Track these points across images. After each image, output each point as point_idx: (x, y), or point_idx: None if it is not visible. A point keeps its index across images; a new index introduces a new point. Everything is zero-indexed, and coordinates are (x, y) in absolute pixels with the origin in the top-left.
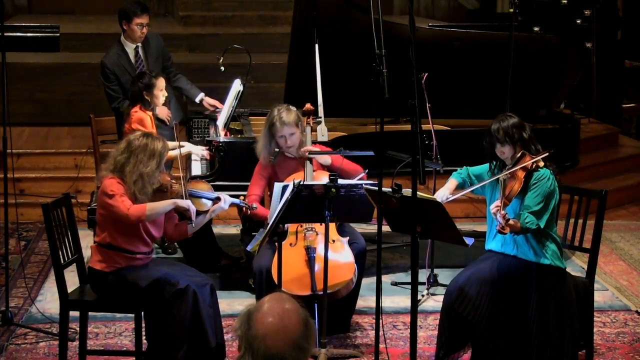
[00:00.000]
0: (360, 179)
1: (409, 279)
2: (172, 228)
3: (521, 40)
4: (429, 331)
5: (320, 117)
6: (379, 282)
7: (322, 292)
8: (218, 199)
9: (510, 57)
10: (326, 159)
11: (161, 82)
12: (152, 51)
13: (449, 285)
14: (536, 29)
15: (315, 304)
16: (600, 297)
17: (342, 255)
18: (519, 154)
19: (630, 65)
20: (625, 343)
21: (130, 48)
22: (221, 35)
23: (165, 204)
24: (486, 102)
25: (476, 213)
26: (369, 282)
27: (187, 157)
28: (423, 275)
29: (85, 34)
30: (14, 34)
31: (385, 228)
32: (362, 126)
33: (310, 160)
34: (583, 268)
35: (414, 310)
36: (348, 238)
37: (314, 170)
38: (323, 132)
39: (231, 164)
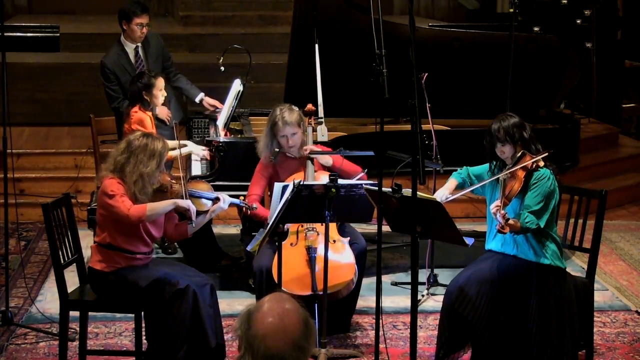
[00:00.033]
0: (359, 179)
1: (409, 279)
2: (172, 228)
3: (521, 40)
4: (429, 331)
5: (322, 118)
6: (379, 282)
7: (322, 292)
8: (218, 199)
9: (510, 57)
10: (327, 159)
11: (160, 82)
12: (152, 51)
13: (449, 285)
14: (536, 29)
15: (316, 304)
16: (600, 297)
17: (343, 255)
18: (519, 154)
19: (630, 65)
20: (625, 343)
21: (130, 48)
22: (221, 35)
23: (166, 204)
24: (486, 102)
25: (476, 213)
26: (369, 282)
27: (187, 157)
28: (423, 275)
29: (85, 34)
30: (14, 34)
31: (385, 228)
32: (362, 126)
33: (312, 160)
34: (583, 268)
35: (414, 310)
36: (349, 238)
37: (315, 171)
38: (323, 132)
39: (231, 164)
